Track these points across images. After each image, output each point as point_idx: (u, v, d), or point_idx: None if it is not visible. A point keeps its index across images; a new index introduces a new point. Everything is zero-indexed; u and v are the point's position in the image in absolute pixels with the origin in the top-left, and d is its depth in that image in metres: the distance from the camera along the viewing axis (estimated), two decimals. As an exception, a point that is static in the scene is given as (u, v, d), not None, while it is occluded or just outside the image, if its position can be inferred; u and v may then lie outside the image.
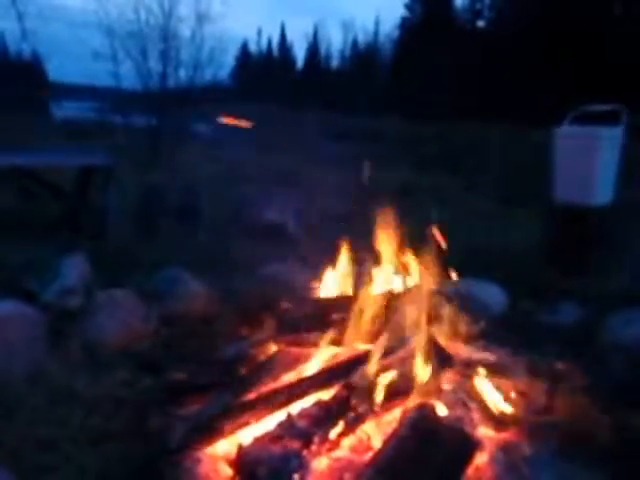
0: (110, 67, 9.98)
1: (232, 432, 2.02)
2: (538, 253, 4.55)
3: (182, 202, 5.42)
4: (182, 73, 10.33)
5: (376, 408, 2.14)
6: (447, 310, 2.66)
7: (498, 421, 2.26)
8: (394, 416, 2.17)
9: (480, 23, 36.64)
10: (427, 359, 2.32)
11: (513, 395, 2.39)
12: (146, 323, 3.07)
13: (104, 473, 1.92)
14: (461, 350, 2.62)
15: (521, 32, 27.28)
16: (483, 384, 2.36)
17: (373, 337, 2.49)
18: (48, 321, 2.80)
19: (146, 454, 1.99)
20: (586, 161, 4.30)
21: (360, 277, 2.76)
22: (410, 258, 2.80)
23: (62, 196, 5.23)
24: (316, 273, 3.24)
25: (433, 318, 2.60)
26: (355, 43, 48.12)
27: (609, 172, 4.41)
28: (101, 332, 2.86)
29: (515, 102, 23.10)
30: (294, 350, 2.52)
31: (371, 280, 2.74)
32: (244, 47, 54.75)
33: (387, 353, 2.36)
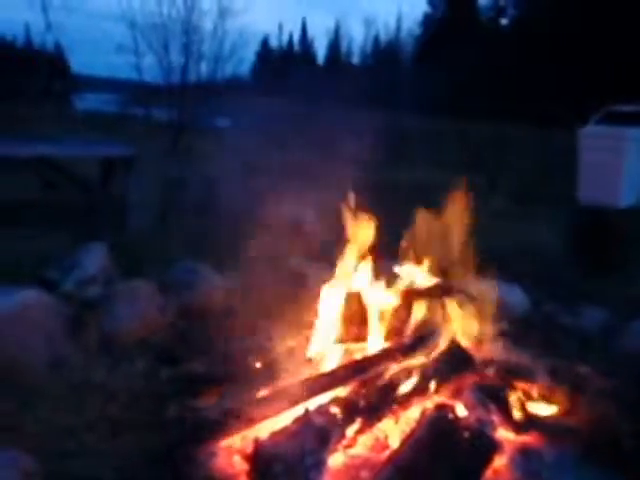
0: (132, 60, 10.03)
1: (249, 426, 2.01)
2: (560, 254, 4.48)
3: (201, 195, 5.43)
4: (203, 67, 10.35)
5: (394, 407, 2.12)
6: (468, 310, 2.62)
7: (518, 424, 2.22)
8: (412, 415, 2.14)
9: (503, 21, 36.33)
10: (448, 358, 2.30)
11: (534, 398, 2.36)
12: (163, 314, 3.08)
13: (122, 462, 1.92)
14: (482, 351, 2.59)
15: (546, 31, 26.94)
16: None
17: (393, 335, 2.47)
18: (68, 310, 2.82)
19: (163, 445, 1.99)
20: (612, 162, 4.23)
21: (381, 274, 2.73)
22: (432, 257, 2.77)
23: (84, 187, 5.27)
24: (335, 268, 3.21)
25: (454, 318, 2.57)
26: (377, 39, 47.88)
27: (635, 173, 4.33)
28: (119, 322, 2.87)
29: (539, 101, 22.83)
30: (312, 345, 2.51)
31: (392, 277, 2.71)
32: (265, 42, 54.81)
33: (407, 351, 2.33)
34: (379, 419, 2.09)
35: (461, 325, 2.59)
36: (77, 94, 31.15)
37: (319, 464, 1.82)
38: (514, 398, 2.32)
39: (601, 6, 24.83)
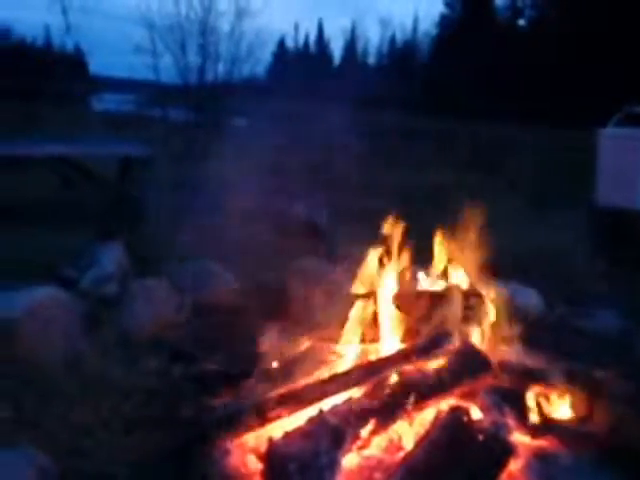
0: (150, 61, 10.11)
1: (263, 425, 2.01)
2: (576, 256, 4.43)
3: (217, 194, 5.45)
4: (220, 67, 10.40)
5: (409, 408, 2.11)
6: (484, 313, 2.60)
7: (534, 427, 2.20)
8: (427, 417, 2.13)
9: (521, 22, 36.07)
10: (463, 360, 2.28)
11: (550, 401, 2.33)
12: (178, 313, 3.10)
13: (136, 459, 1.93)
14: (497, 353, 2.56)
15: (563, 32, 26.69)
16: None
17: (408, 336, 2.46)
18: (84, 308, 2.85)
19: (177, 443, 2.00)
20: (631, 163, 4.19)
21: (395, 275, 2.72)
22: (448, 258, 2.76)
23: (101, 186, 5.32)
24: (348, 269, 3.20)
25: (470, 320, 2.55)
26: (393, 40, 47.65)
27: (655, 175, 4.28)
28: (135, 320, 2.89)
29: (556, 103, 22.63)
30: (327, 346, 2.51)
31: (407, 279, 2.70)
32: (281, 43, 54.80)
33: (422, 353, 2.32)
34: (393, 420, 2.08)
35: (478, 327, 2.57)
36: (95, 95, 31.45)
37: (333, 464, 1.81)
38: (529, 401, 2.30)
39: (618, 7, 24.54)
